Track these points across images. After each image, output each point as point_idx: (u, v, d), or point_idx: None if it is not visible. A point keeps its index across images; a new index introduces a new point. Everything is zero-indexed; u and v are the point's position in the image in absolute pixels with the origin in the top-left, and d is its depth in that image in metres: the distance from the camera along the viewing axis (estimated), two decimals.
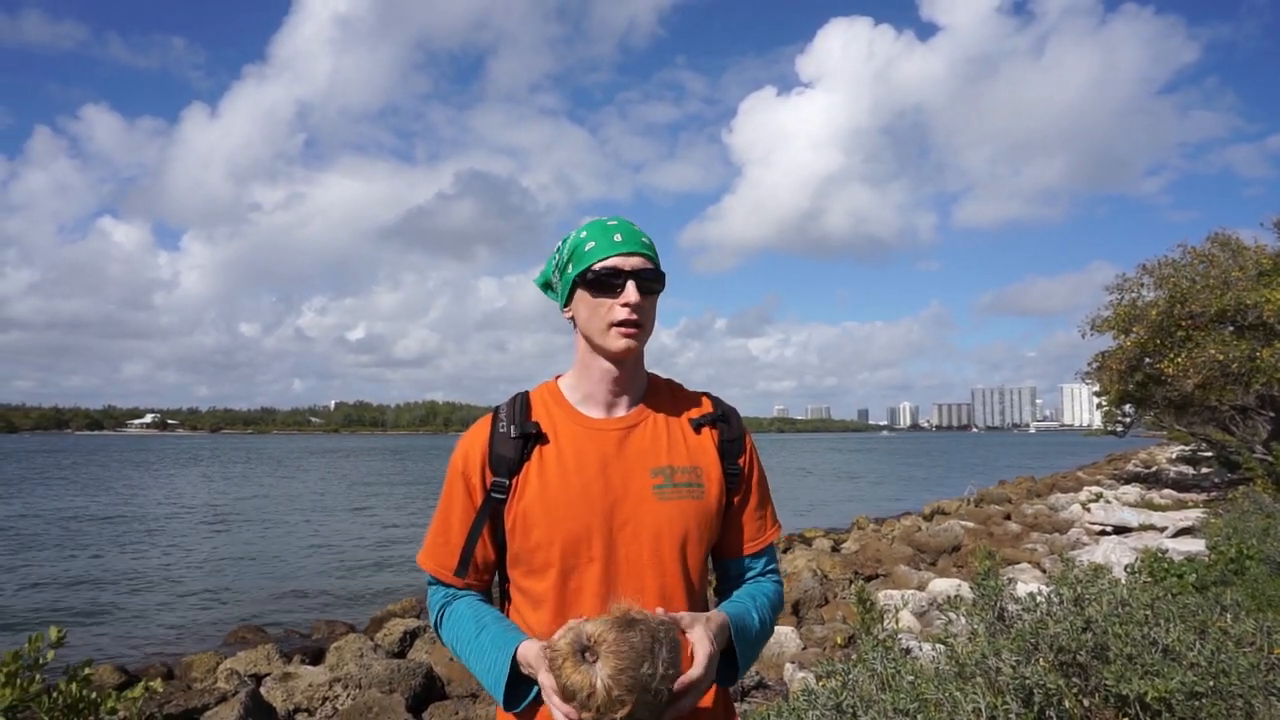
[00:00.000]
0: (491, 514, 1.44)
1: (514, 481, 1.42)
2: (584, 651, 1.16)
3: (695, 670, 1.23)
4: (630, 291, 1.38)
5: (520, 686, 1.34)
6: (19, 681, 2.59)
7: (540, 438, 1.45)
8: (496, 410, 1.51)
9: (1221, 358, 15.42)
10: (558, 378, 1.55)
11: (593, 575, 1.38)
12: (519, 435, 1.44)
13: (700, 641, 1.26)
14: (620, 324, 1.40)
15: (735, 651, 1.37)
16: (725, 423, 1.52)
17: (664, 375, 1.58)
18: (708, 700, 1.42)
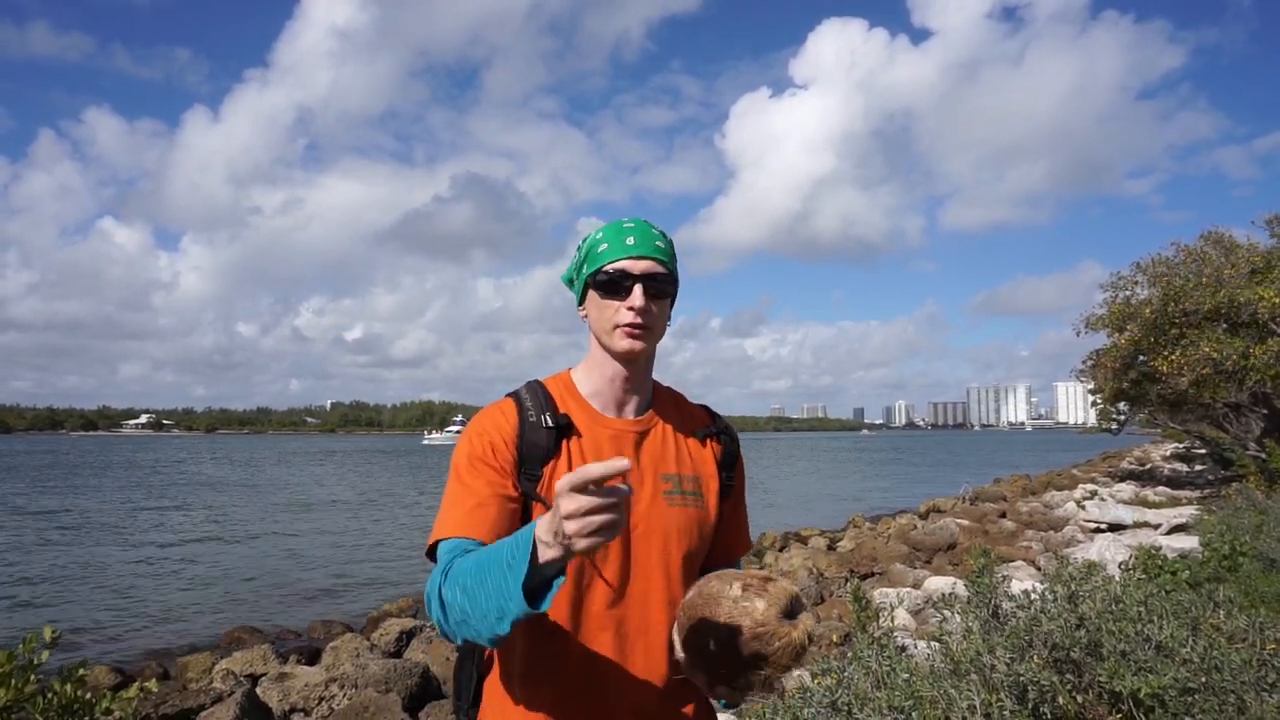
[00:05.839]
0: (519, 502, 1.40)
1: (544, 471, 1.40)
2: (791, 609, 1.27)
3: None
4: (636, 295, 1.39)
5: (538, 594, 1.09)
6: (13, 682, 2.58)
7: (571, 430, 1.43)
8: (517, 396, 1.46)
9: (1215, 355, 15.46)
10: (569, 370, 1.54)
11: (608, 573, 1.38)
12: (552, 426, 1.42)
13: None
14: (625, 326, 1.40)
15: None
16: (728, 436, 1.57)
17: (666, 381, 1.59)
18: (689, 709, 1.44)
